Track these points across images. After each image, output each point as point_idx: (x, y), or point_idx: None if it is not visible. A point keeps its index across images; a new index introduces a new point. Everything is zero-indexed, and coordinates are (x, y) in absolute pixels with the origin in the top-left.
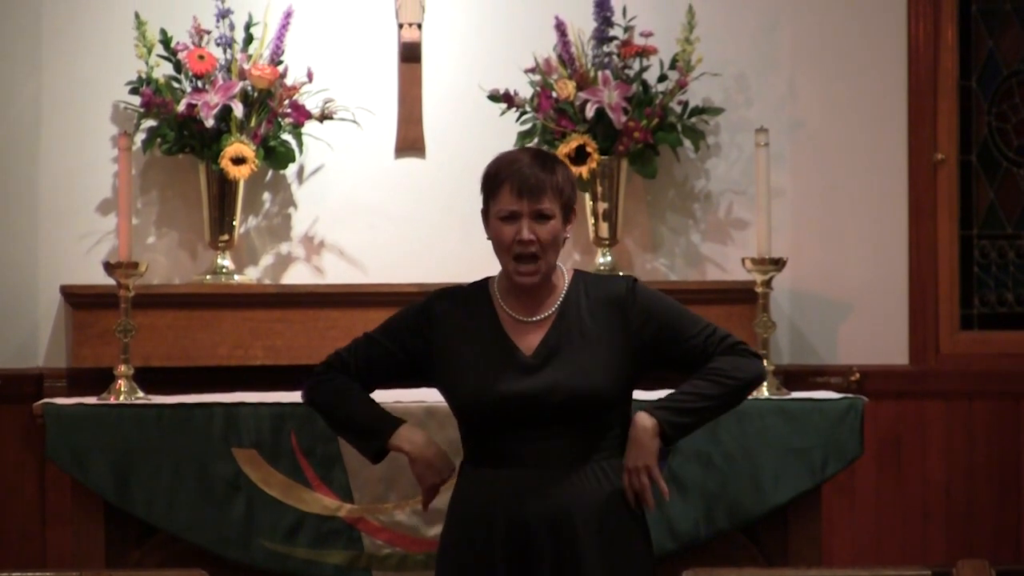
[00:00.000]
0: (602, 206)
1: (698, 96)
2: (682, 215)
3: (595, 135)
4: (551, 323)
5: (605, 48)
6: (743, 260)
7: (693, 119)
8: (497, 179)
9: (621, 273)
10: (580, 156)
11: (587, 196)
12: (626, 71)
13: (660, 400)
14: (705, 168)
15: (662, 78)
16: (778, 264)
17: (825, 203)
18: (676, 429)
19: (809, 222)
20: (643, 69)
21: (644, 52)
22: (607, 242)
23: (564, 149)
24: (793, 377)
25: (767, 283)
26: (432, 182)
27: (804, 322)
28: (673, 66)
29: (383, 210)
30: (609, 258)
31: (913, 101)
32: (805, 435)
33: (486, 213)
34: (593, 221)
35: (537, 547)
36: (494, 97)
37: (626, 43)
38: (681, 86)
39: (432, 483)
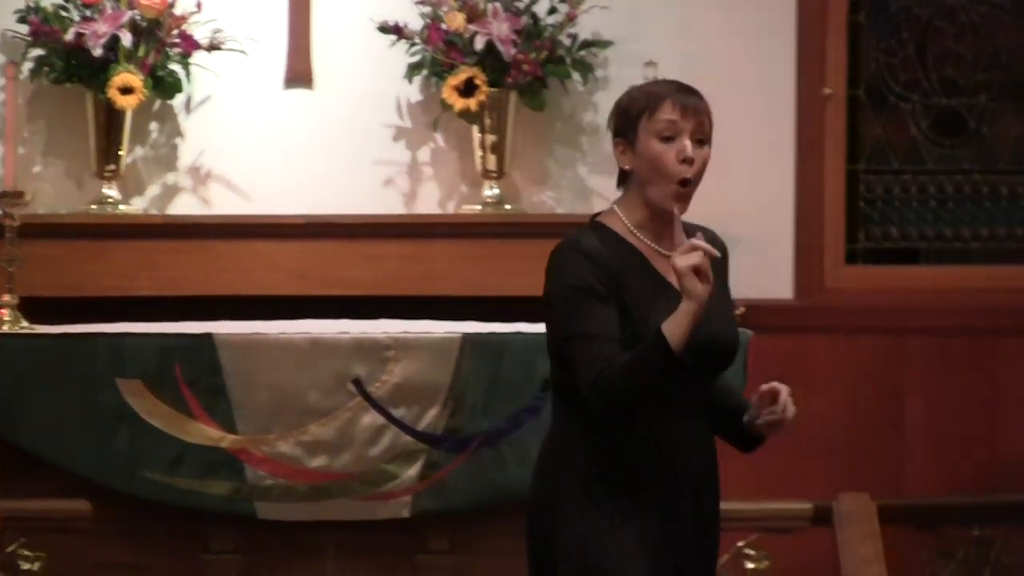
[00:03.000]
0: (490, 139)
1: (588, 29)
2: (570, 148)
3: (484, 67)
4: None
5: None
6: None
7: (582, 52)
8: (657, 96)
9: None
10: (469, 88)
11: (475, 129)
12: (516, 3)
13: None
14: (593, 101)
15: (552, 11)
16: None
17: (713, 136)
18: None
19: None
20: (533, 2)
21: None
22: (494, 175)
23: (453, 81)
24: None
25: None
26: (320, 113)
27: None
28: None
29: (271, 141)
30: (496, 191)
31: (802, 36)
32: None
33: (631, 136)
34: (481, 154)
35: (683, 500)
36: (384, 29)
37: None
38: (571, 19)
39: (698, 262)
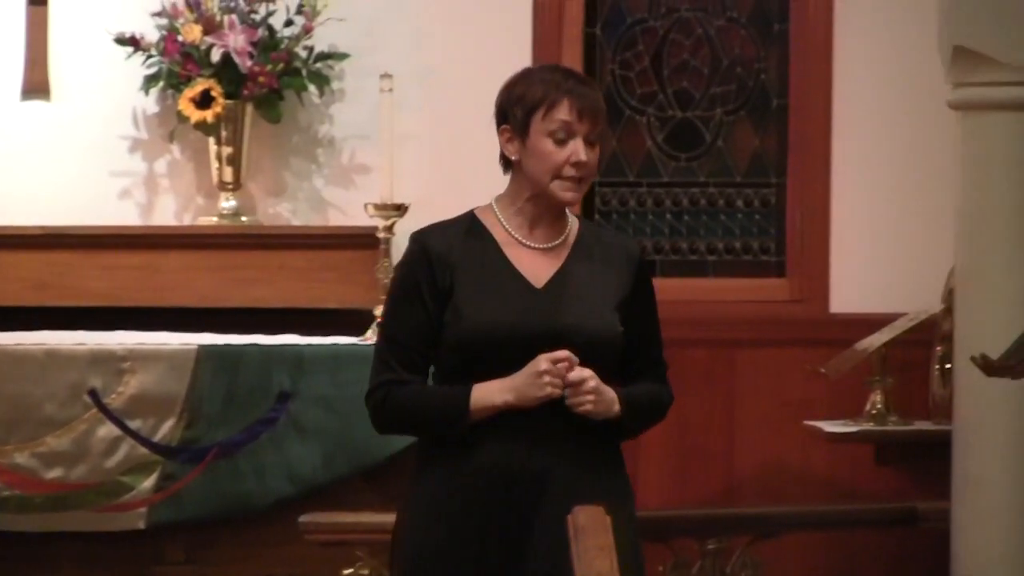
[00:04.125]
0: (226, 151)
1: (324, 41)
2: (306, 160)
3: (221, 79)
4: (567, 254)
5: None
6: (366, 205)
7: (319, 64)
8: (555, 92)
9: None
10: (205, 100)
11: (211, 140)
12: (252, 16)
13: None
14: (330, 113)
15: (288, 23)
16: (400, 210)
17: (454, 149)
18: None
19: (437, 168)
20: (269, 14)
21: None
22: (231, 186)
23: (190, 93)
24: None
25: (389, 228)
26: (57, 124)
27: None
28: (299, 11)
29: (8, 152)
30: (233, 202)
31: (538, 48)
32: None
33: (521, 129)
34: (217, 166)
35: (539, 505)
36: (120, 40)
37: None
38: (307, 31)
39: (547, 394)
